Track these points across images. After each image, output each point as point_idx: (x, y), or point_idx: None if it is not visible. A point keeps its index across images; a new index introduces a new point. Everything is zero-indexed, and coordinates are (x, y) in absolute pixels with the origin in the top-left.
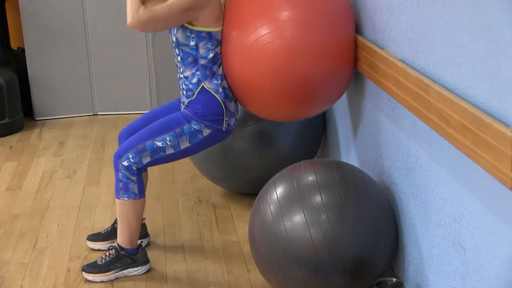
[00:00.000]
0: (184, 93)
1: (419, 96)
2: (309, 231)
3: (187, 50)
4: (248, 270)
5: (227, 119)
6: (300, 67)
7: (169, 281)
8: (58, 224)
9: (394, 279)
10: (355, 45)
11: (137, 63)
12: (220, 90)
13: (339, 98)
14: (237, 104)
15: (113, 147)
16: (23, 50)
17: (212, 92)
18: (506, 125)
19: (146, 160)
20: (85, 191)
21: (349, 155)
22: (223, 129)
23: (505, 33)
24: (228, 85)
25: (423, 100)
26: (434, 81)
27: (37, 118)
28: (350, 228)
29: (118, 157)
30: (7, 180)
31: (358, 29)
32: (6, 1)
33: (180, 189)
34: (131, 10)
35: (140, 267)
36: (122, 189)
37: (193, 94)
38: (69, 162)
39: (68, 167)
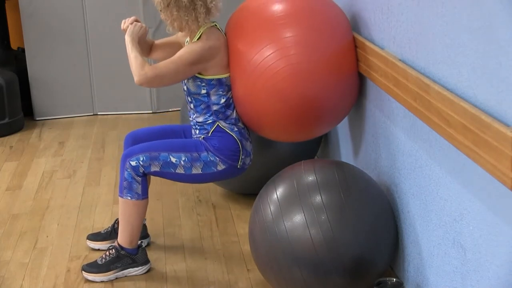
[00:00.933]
0: (197, 132)
1: (419, 96)
2: (309, 231)
3: (199, 98)
4: (248, 270)
5: (243, 157)
6: (307, 89)
7: (169, 281)
8: (58, 224)
9: (394, 279)
10: (356, 56)
11: None
12: (235, 129)
13: (347, 113)
14: (252, 145)
15: (113, 147)
16: (23, 50)
17: (227, 131)
18: (506, 125)
19: (154, 168)
20: (85, 191)
21: (349, 155)
22: (238, 167)
23: (505, 33)
24: (243, 123)
25: (423, 100)
26: (434, 81)
27: (37, 118)
28: (350, 228)
29: (127, 156)
30: (7, 180)
31: (358, 29)
32: (6, 1)
33: (180, 189)
34: (136, 68)
35: (140, 267)
36: (126, 188)
37: (208, 133)
38: (69, 162)
39: (68, 167)
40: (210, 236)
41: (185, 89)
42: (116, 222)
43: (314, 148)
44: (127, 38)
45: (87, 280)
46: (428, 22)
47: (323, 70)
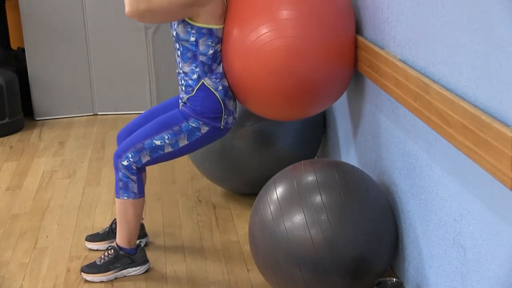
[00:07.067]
0: (183, 88)
1: (419, 96)
2: (309, 231)
3: (187, 45)
4: (248, 270)
5: (225, 117)
6: (300, 66)
7: (169, 281)
8: (58, 224)
9: (394, 279)
10: (355, 45)
11: (137, 63)
12: (220, 88)
13: (340, 96)
14: (236, 103)
15: (113, 147)
16: (23, 50)
17: (211, 89)
18: (506, 125)
19: (145, 159)
20: (85, 191)
21: (349, 155)
22: (221, 127)
23: (505, 33)
24: (228, 84)
25: (423, 100)
26: (434, 81)
27: (37, 118)
28: (350, 228)
29: (117, 156)
30: (7, 180)
31: (358, 29)
32: (6, 1)
33: (180, 189)
34: None
35: (139, 267)
36: (122, 189)
37: (192, 90)
38: (69, 162)
39: (68, 167)
40: (210, 236)
41: (174, 34)
42: (114, 222)
43: (314, 148)
44: None
45: (87, 281)
46: (428, 22)
47: (318, 50)
